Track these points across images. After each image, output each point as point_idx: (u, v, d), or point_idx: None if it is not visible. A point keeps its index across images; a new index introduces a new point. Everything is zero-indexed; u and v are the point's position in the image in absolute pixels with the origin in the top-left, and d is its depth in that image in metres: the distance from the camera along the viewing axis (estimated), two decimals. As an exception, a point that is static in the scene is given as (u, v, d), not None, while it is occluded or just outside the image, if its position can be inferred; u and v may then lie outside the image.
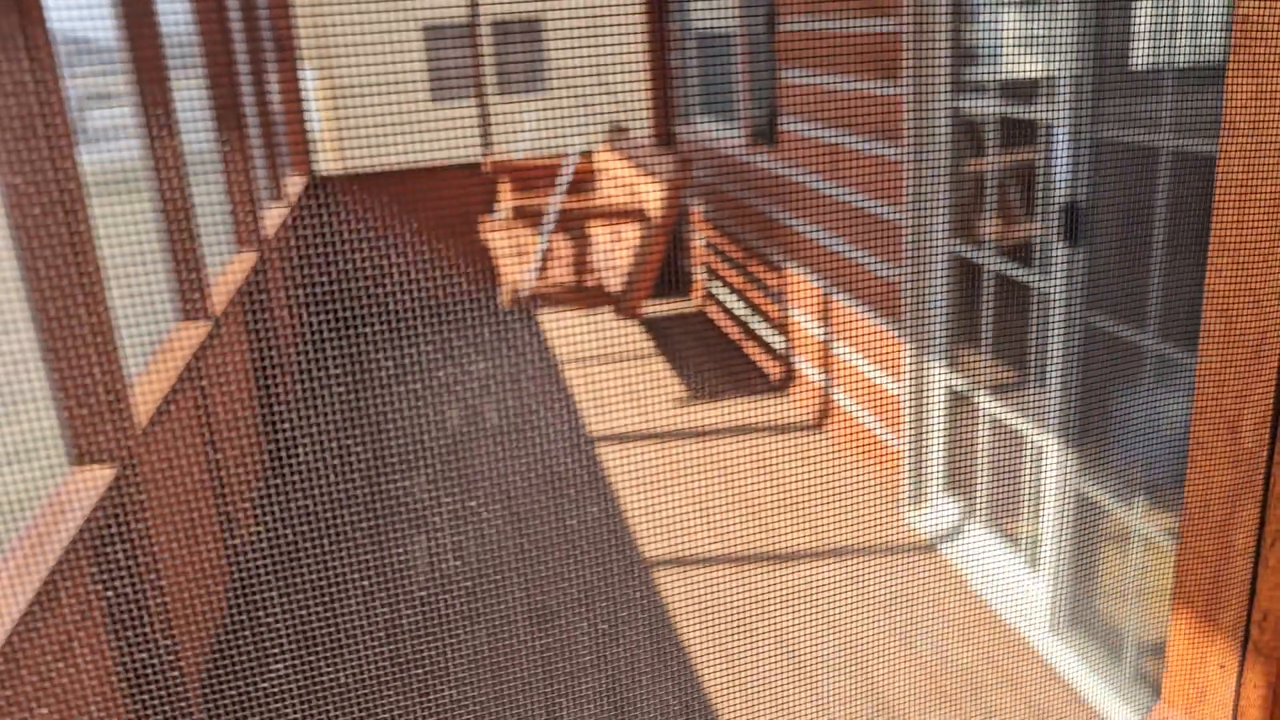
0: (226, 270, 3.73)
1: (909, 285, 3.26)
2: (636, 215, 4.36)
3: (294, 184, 5.83)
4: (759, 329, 5.00)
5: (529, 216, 4.35)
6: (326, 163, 12.72)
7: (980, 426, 3.04)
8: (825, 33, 3.77)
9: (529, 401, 4.75)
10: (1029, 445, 2.78)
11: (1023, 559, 2.93)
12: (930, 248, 3.19)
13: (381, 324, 6.04)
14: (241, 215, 3.94)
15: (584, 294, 4.42)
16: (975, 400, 3.07)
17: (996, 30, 3.02)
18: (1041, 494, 2.68)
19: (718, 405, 4.55)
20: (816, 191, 4.02)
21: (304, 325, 5.39)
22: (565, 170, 5.65)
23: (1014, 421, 2.86)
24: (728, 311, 5.52)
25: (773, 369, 4.81)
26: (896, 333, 3.42)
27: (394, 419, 4.64)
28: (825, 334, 4.12)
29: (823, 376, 4.20)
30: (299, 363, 5.15)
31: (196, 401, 3.00)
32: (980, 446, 3.12)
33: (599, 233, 5.14)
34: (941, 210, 3.10)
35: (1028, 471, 2.79)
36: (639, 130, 6.20)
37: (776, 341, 4.76)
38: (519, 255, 4.98)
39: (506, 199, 5.58)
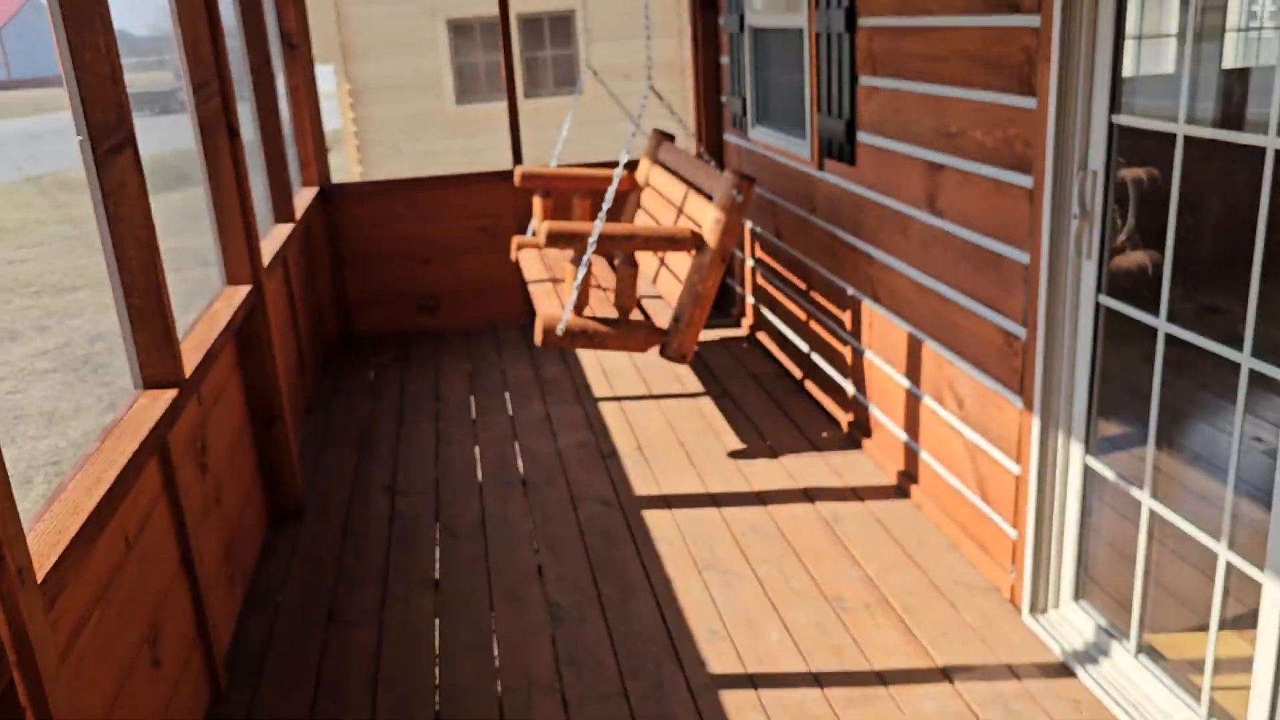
0: (208, 313, 3.16)
1: (1042, 343, 2.64)
2: (689, 242, 3.75)
3: (304, 197, 5.26)
4: (825, 369, 4.39)
5: (565, 240, 3.75)
6: (345, 168, 12.14)
7: (1141, 529, 2.41)
8: (926, 30, 3.15)
9: (564, 452, 4.15)
10: (1231, 571, 2.16)
11: (1203, 712, 2.30)
12: (1073, 298, 2.56)
13: (397, 357, 5.45)
14: (233, 244, 3.37)
15: (627, 332, 3.82)
16: (1135, 496, 2.44)
17: (1193, 17, 2.40)
18: (1256, 646, 2.06)
19: (779, 461, 3.94)
20: (907, 218, 3.41)
21: (308, 363, 4.82)
22: (609, 187, 5.06)
23: (1202, 537, 2.24)
24: (784, 344, 4.91)
25: (842, 416, 4.20)
26: (1017, 400, 2.80)
27: (412, 473, 4.05)
28: (912, 386, 3.51)
29: (908, 436, 3.58)
30: (305, 410, 4.57)
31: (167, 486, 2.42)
32: (1139, 555, 2.50)
33: (645, 261, 4.54)
34: (1094, 255, 2.48)
35: (1219, 604, 2.17)
36: (685, 138, 5.59)
37: (846, 385, 4.15)
38: (555, 283, 4.39)
39: (540, 215, 4.98)
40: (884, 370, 3.75)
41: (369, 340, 5.75)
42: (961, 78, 2.96)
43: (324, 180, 5.49)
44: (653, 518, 3.57)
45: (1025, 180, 2.66)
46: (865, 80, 3.66)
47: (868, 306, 3.84)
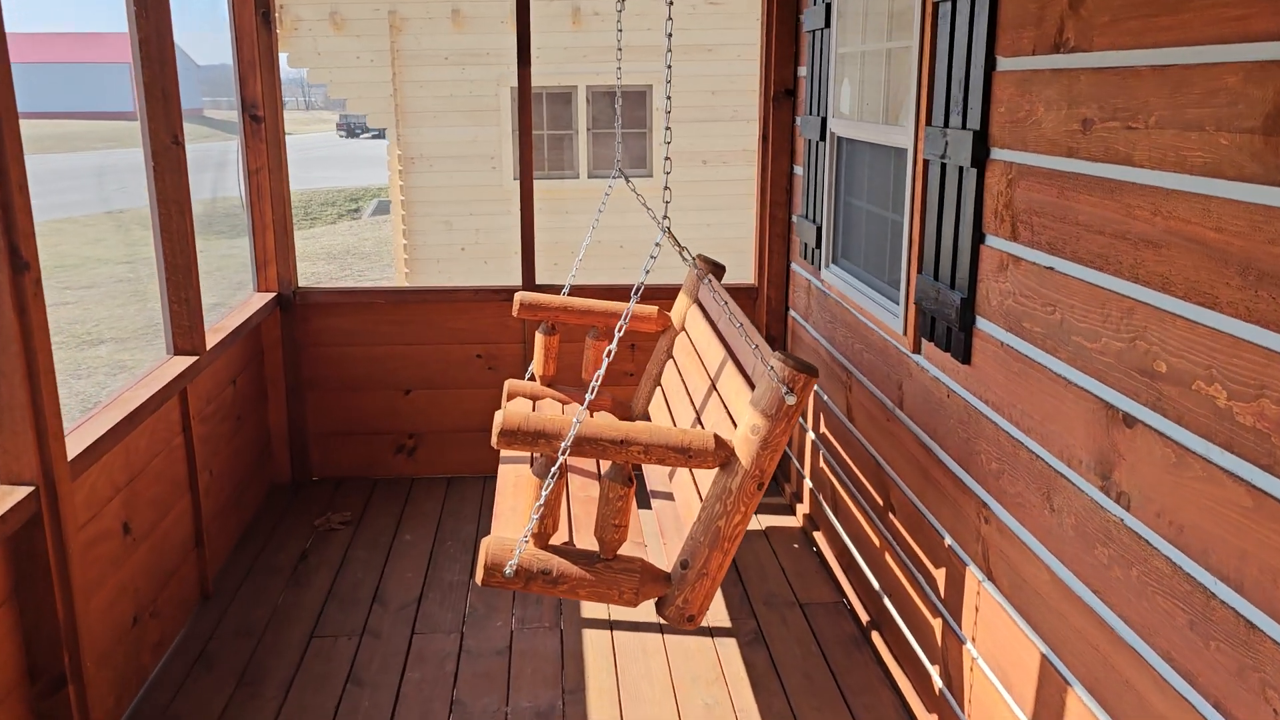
0: None
1: None
2: (711, 456, 2.50)
3: (254, 305, 4.16)
4: (903, 628, 3.06)
5: (526, 440, 2.54)
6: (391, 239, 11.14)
7: None
8: (1126, 186, 1.88)
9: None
10: None
11: None
12: None
13: (352, 514, 4.19)
14: (10, 425, 2.22)
15: (609, 577, 2.56)
16: None
17: None
18: None
19: (825, 796, 2.61)
20: (1056, 477, 2.10)
21: (215, 532, 3.60)
22: (609, 344, 3.82)
23: None
24: (848, 563, 3.59)
25: (923, 714, 2.86)
26: None
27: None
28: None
29: (1032, 815, 2.23)
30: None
31: None
32: None
33: (647, 470, 3.28)
34: None
35: None
36: (737, 270, 4.38)
37: (933, 672, 2.82)
38: (522, 487, 3.13)
39: (542, 360, 3.75)
40: (994, 686, 2.42)
41: (329, 484, 4.58)
42: (1185, 280, 1.67)
43: (285, 285, 4.39)
44: None
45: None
46: (995, 242, 2.39)
47: (974, 577, 2.52)
